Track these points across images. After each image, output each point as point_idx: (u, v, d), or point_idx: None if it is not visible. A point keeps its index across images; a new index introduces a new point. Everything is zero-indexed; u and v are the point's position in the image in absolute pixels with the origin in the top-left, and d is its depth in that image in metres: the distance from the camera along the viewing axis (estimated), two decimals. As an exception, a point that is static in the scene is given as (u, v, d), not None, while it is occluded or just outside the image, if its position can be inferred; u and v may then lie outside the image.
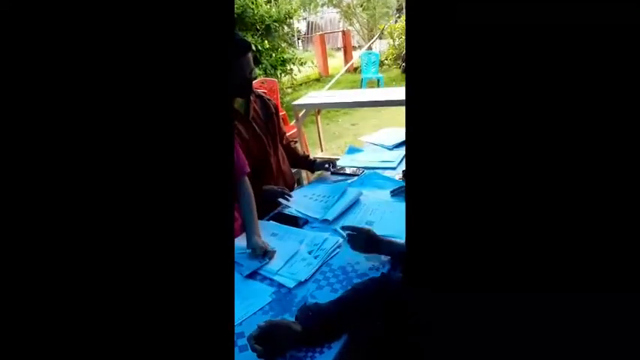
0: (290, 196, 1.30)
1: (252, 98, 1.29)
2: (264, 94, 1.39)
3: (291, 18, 5.35)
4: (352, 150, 1.76)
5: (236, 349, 0.73)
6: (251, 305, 0.84)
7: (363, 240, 0.94)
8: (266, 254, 0.98)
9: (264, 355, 0.66)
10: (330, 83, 5.72)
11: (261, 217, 1.18)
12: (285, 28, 5.33)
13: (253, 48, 4.68)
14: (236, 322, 0.79)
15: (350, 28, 9.00)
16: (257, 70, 4.85)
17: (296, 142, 2.66)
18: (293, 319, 0.73)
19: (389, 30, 7.83)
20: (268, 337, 0.67)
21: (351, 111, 4.96)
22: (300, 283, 0.90)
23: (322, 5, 8.83)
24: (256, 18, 4.85)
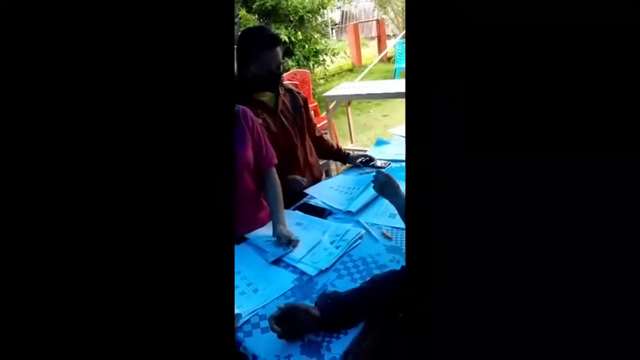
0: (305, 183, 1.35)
1: (281, 92, 1.32)
2: (293, 88, 1.42)
3: (324, 8, 5.32)
4: (380, 142, 1.76)
5: (258, 331, 0.78)
6: (274, 290, 0.88)
7: (381, 182, 1.04)
8: (290, 243, 1.02)
9: (283, 336, 0.71)
10: (363, 74, 5.65)
11: (286, 207, 1.22)
12: (319, 18, 5.31)
13: (286, 40, 4.73)
14: (259, 306, 0.84)
15: (384, 16, 8.80)
16: (290, 62, 4.89)
17: (326, 133, 2.68)
18: (313, 305, 0.77)
19: (425, 18, 7.55)
20: (288, 318, 0.72)
21: (382, 102, 4.90)
22: (322, 272, 0.93)
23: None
24: (290, 10, 4.88)
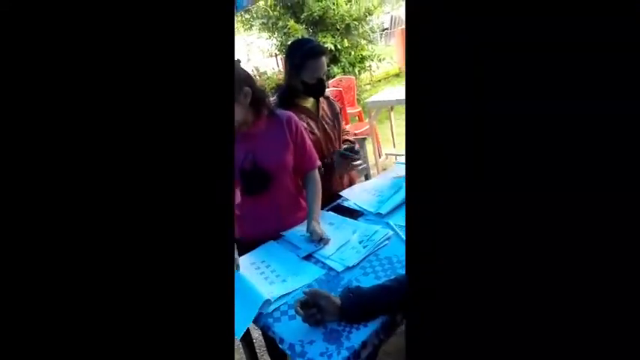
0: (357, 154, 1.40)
1: (320, 98, 1.41)
2: (329, 95, 1.51)
3: (370, 15, 5.36)
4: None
5: (286, 318, 0.86)
6: (302, 281, 0.96)
7: None
8: (321, 240, 1.09)
9: (305, 320, 0.78)
10: (410, 79, 5.59)
11: (321, 208, 1.30)
12: (365, 25, 5.37)
13: (332, 47, 4.81)
14: (286, 292, 0.92)
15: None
16: (335, 69, 4.99)
17: (364, 138, 2.72)
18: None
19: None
20: (311, 303, 0.79)
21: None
22: (348, 269, 0.99)
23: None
24: (337, 18, 4.99)
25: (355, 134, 3.26)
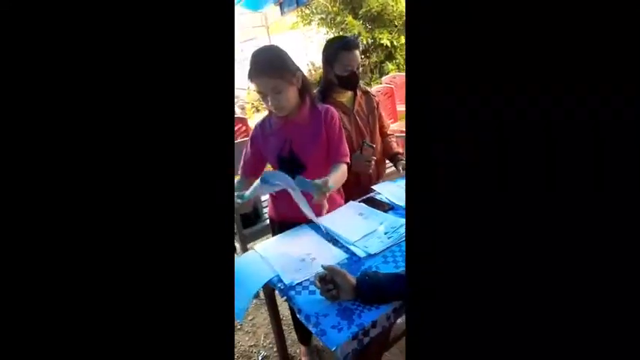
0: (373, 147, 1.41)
1: (358, 93, 1.46)
2: (369, 90, 1.55)
3: (431, 12, 5.22)
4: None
5: (306, 292, 0.94)
6: (326, 262, 1.03)
7: None
8: (320, 189, 1.00)
9: (322, 293, 0.85)
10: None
11: (354, 198, 1.36)
12: (424, 22, 5.23)
13: (387, 44, 4.75)
14: (313, 273, 1.00)
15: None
16: (390, 65, 4.95)
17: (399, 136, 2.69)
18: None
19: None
20: (328, 278, 0.86)
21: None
22: (370, 256, 1.04)
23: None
24: (395, 15, 4.94)
25: (403, 131, 3.23)
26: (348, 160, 1.30)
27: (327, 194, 1.02)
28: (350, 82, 1.39)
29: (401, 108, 3.84)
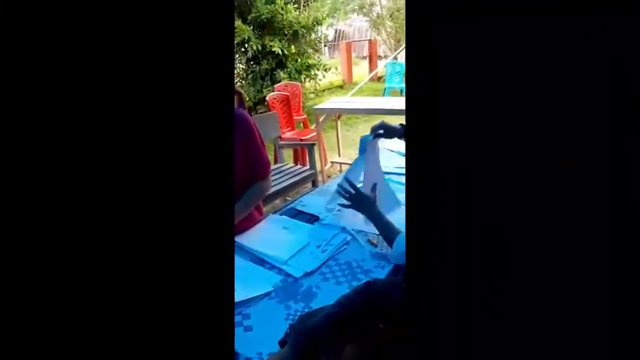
0: None
1: None
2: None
3: (319, 25, 5.44)
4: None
5: (241, 329, 0.78)
6: (257, 290, 0.88)
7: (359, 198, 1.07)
8: None
9: None
10: (354, 90, 5.77)
11: (273, 212, 1.23)
12: (313, 34, 5.42)
13: (279, 52, 4.77)
14: (243, 302, 0.84)
15: (377, 37, 9.04)
16: (282, 74, 4.95)
17: (313, 144, 2.71)
18: (294, 312, 0.76)
19: (416, 41, 7.84)
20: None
21: (371, 119, 4.99)
22: (307, 274, 0.93)
23: (352, 12, 8.89)
24: (285, 23, 4.97)
25: (302, 139, 3.23)
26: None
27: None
28: None
29: (296, 117, 3.85)
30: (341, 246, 1.04)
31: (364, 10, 8.98)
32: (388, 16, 8.87)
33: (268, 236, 1.12)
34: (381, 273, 0.93)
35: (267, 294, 0.87)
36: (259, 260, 1.00)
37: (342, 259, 0.99)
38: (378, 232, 1.03)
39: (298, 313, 0.81)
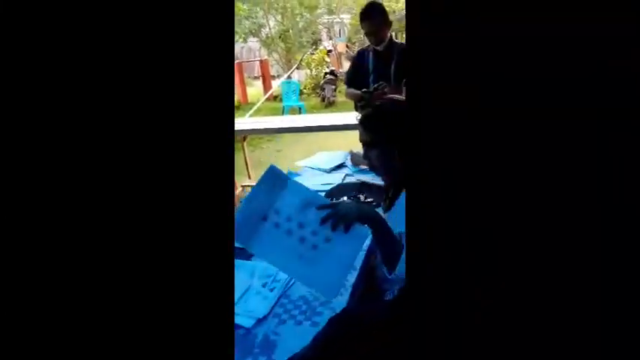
0: None
1: None
2: None
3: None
4: (291, 174, 1.72)
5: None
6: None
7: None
8: None
9: None
10: (252, 111, 5.68)
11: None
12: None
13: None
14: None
15: (269, 57, 9.16)
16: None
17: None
18: None
19: (307, 60, 8.17)
20: None
21: (273, 138, 4.96)
22: (259, 321, 0.81)
23: (245, 34, 8.87)
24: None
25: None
26: None
27: None
28: None
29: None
30: (290, 280, 0.94)
31: (253, 31, 9.04)
32: (278, 36, 9.09)
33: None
34: (341, 302, 0.86)
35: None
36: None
37: (294, 294, 0.89)
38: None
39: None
